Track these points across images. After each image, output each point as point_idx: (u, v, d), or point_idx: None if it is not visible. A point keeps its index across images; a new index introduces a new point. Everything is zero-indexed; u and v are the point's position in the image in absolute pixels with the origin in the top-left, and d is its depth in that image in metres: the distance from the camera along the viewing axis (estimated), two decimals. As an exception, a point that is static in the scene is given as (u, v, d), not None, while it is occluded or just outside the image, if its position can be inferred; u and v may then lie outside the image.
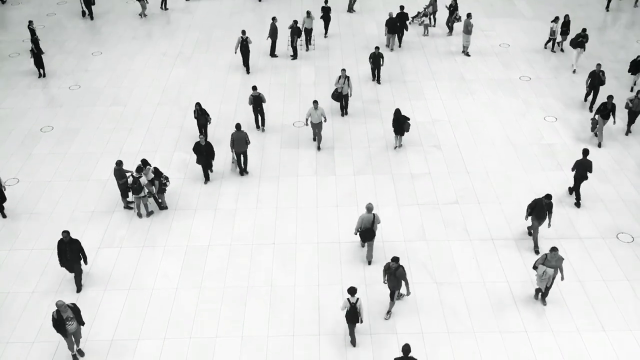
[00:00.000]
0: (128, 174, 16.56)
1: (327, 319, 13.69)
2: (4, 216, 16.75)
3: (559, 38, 24.97)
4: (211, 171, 18.12)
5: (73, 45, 26.20)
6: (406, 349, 11.16)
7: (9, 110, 21.70)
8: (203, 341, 13.26)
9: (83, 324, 12.54)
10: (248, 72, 23.85)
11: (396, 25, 24.76)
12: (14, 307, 14.15)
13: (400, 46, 25.72)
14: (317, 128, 18.76)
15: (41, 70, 23.59)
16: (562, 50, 24.94)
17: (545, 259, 13.24)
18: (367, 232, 14.62)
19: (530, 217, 15.53)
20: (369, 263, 15.09)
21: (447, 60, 24.55)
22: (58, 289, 14.56)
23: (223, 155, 19.12)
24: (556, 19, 24.12)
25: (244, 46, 23.25)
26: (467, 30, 24.11)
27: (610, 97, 18.58)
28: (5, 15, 29.15)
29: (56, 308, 12.48)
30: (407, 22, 25.33)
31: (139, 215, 16.65)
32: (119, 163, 16.27)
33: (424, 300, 14.11)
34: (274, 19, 24.13)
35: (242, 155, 18.10)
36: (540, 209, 14.83)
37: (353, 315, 12.43)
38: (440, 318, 13.70)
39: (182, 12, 29.24)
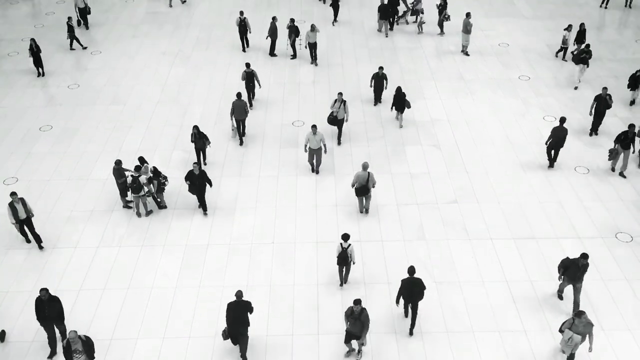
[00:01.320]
0: (127, 173, 16.55)
1: (327, 319, 13.70)
2: (35, 244, 15.69)
3: (571, 47, 24.39)
4: (204, 208, 16.59)
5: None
6: (411, 270, 12.75)
7: (8, 109, 21.68)
8: (202, 340, 13.27)
9: (93, 358, 11.67)
10: (244, 50, 25.19)
11: (388, 10, 26.03)
12: (13, 307, 14.14)
13: (392, 29, 26.84)
14: (315, 154, 17.60)
15: (40, 70, 23.58)
16: (572, 55, 23.30)
17: (573, 323, 11.82)
18: (362, 188, 16.07)
19: (562, 278, 13.51)
20: (366, 212, 16.60)
21: (447, 60, 24.55)
22: (57, 288, 14.55)
23: (222, 154, 19.13)
24: (569, 27, 23.40)
25: (242, 26, 24.65)
26: (466, 29, 24.11)
27: (631, 126, 17.11)
28: (5, 14, 29.12)
29: (66, 338, 11.72)
30: (397, 18, 26.83)
31: (138, 214, 16.65)
32: (118, 162, 16.27)
33: (423, 300, 14.11)
34: (274, 18, 24.13)
35: (241, 123, 19.39)
36: (574, 270, 13.08)
37: (344, 259, 13.80)
38: (439, 317, 13.70)
39: (182, 11, 29.23)
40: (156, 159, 18.96)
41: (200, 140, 17.86)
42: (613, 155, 17.61)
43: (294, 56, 24.78)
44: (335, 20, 27.44)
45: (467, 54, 24.83)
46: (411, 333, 13.25)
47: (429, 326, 13.50)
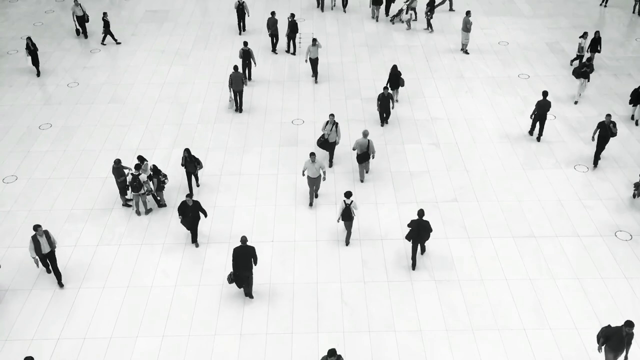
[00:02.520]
0: (127, 172, 16.54)
1: (326, 317, 13.71)
2: (60, 285, 14.51)
3: (587, 55, 23.69)
4: (195, 241, 15.61)
5: (71, 43, 26.14)
6: (420, 212, 14.20)
7: (7, 107, 21.66)
8: (202, 339, 13.27)
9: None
10: (240, 33, 26.46)
11: None
12: (13, 304, 14.15)
13: (387, 15, 27.66)
14: (314, 183, 16.46)
15: (37, 69, 23.48)
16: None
17: None
18: (363, 155, 17.25)
19: (603, 348, 12.24)
20: (367, 171, 17.86)
21: (446, 58, 24.54)
22: (57, 287, 14.55)
23: (222, 152, 19.13)
24: (585, 35, 22.62)
25: (240, 9, 25.71)
26: (466, 27, 24.10)
27: None
28: (4, 12, 29.08)
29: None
30: (393, 17, 27.13)
31: (138, 212, 16.65)
32: (118, 161, 16.26)
33: (422, 298, 14.13)
34: (272, 13, 24.29)
35: (238, 94, 20.79)
36: (618, 340, 11.67)
37: (347, 214, 15.01)
38: (439, 316, 13.72)
39: (182, 9, 29.21)
40: (156, 157, 18.95)
41: (191, 163, 16.68)
42: (638, 188, 16.77)
43: (293, 52, 24.80)
44: (344, 8, 28.37)
45: (466, 52, 24.83)
46: (413, 267, 14.87)
47: (428, 324, 13.51)
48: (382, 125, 20.10)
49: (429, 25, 26.51)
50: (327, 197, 17.23)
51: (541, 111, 18.89)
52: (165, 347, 13.10)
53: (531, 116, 19.25)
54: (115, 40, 25.97)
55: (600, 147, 17.74)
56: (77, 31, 26.62)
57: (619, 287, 14.35)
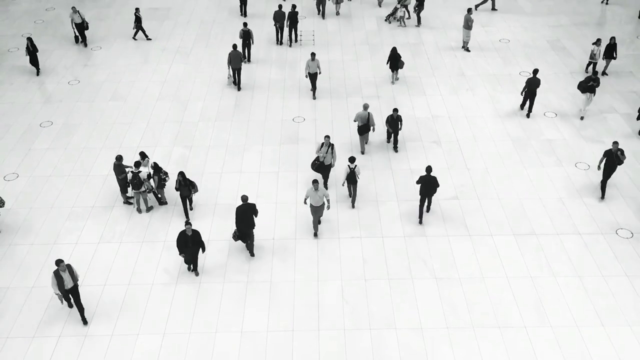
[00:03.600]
0: (128, 169, 16.54)
1: (327, 315, 13.71)
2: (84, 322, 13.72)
3: (600, 62, 23.16)
4: (196, 269, 14.81)
5: (72, 41, 26.13)
6: (428, 169, 15.46)
7: (8, 105, 21.67)
8: (202, 336, 13.28)
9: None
10: (242, 14, 27.77)
11: None
12: (14, 302, 14.16)
13: (379, 5, 28.47)
14: (318, 212, 15.47)
15: (37, 68, 23.40)
16: (605, 73, 22.78)
17: None
18: (363, 127, 18.17)
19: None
20: (366, 142, 18.82)
21: (447, 56, 24.51)
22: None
23: (223, 151, 19.13)
24: (598, 41, 21.81)
25: None
26: (468, 25, 24.07)
27: None
28: (5, 10, 29.07)
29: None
30: (388, 16, 27.16)
31: (139, 210, 16.65)
32: (119, 158, 16.26)
33: (423, 296, 14.13)
34: (279, 6, 24.70)
35: (237, 72, 21.77)
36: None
37: (352, 177, 16.11)
38: (440, 313, 13.72)
39: (183, 7, 29.19)
40: (156, 155, 18.95)
41: (185, 187, 15.71)
42: None
43: (296, 40, 25.35)
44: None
45: (467, 50, 24.80)
46: (428, 210, 16.42)
47: (429, 322, 13.52)
48: (388, 142, 19.25)
49: (419, 20, 26.78)
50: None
51: (531, 88, 19.87)
52: (166, 345, 13.11)
53: (522, 93, 20.31)
54: (147, 36, 25.94)
55: (607, 176, 16.53)
56: (76, 38, 25.71)
57: (619, 285, 14.34)
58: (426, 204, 16.50)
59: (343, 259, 15.16)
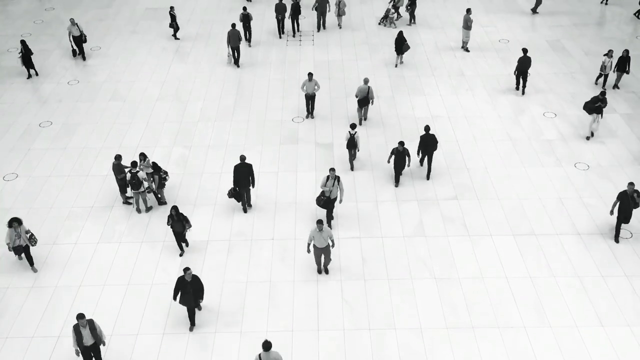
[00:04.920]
0: (127, 169, 16.52)
1: (326, 315, 13.71)
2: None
3: (612, 75, 22.38)
4: (199, 308, 13.81)
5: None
6: (427, 127, 16.92)
7: (8, 105, 21.66)
8: (202, 336, 13.28)
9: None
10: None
11: None
12: (13, 302, 14.16)
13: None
14: (322, 253, 14.37)
15: (30, 71, 23.15)
16: (616, 86, 21.87)
17: None
18: (363, 99, 19.37)
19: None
20: (365, 119, 20.13)
21: (447, 56, 24.52)
22: (57, 284, 14.57)
23: (222, 149, 19.13)
24: (609, 53, 21.05)
25: None
26: (467, 25, 24.07)
27: None
28: (4, 10, 29.07)
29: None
30: (382, 19, 27.08)
31: (138, 210, 16.65)
32: (118, 158, 16.25)
33: (422, 296, 14.13)
34: None
35: (235, 50, 23.10)
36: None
37: (352, 142, 17.33)
38: (439, 314, 13.72)
39: (182, 7, 29.19)
40: (156, 155, 18.95)
41: (178, 222, 14.64)
42: None
43: (296, 33, 25.95)
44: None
45: (467, 50, 24.81)
46: (428, 177, 17.61)
47: (428, 322, 13.51)
48: (396, 185, 17.51)
49: (412, 19, 26.91)
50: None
51: (522, 67, 20.92)
52: (165, 345, 13.11)
53: (514, 73, 21.46)
54: (175, 34, 25.86)
55: (624, 220, 15.15)
56: (74, 52, 24.58)
57: (619, 285, 14.34)
58: (426, 163, 18.00)
59: (342, 259, 15.15)
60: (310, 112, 20.55)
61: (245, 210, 16.45)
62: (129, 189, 17.03)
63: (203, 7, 29.11)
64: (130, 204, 16.96)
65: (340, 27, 26.86)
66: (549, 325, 13.42)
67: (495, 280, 14.56)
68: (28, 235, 14.53)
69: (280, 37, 26.07)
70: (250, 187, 16.20)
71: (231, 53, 23.36)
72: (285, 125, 20.36)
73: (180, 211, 15.70)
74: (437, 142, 17.08)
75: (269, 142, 19.49)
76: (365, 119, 20.18)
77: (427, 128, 17.02)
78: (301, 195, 17.23)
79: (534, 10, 27.92)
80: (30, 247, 15.15)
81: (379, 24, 27.26)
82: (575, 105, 21.14)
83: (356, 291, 14.29)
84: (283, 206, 16.88)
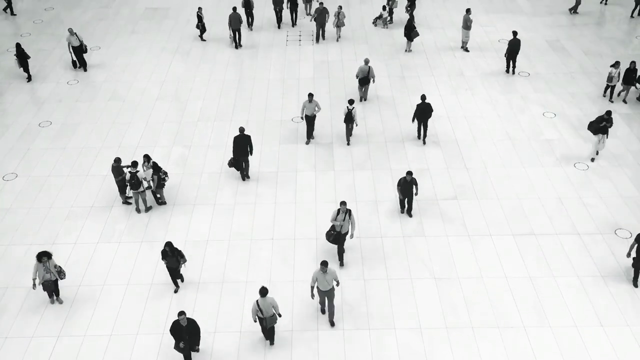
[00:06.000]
0: (127, 169, 16.50)
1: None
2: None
3: (619, 86, 21.61)
4: (197, 350, 12.90)
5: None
6: (423, 97, 18.29)
7: (7, 104, 21.65)
8: (202, 336, 13.26)
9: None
10: None
11: None
12: (13, 302, 14.15)
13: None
14: (326, 297, 13.27)
15: (28, 74, 22.90)
16: (624, 101, 21.03)
17: None
18: (364, 79, 20.62)
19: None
20: (365, 99, 21.33)
21: (446, 56, 24.52)
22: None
23: (222, 149, 19.12)
24: (617, 64, 20.31)
25: None
26: (467, 25, 24.08)
27: None
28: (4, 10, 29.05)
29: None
30: (375, 19, 27.15)
31: (138, 210, 16.64)
32: (117, 160, 16.21)
33: (422, 296, 14.13)
34: None
35: (237, 32, 24.51)
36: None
37: (349, 117, 18.44)
38: (439, 313, 13.72)
39: (182, 7, 29.18)
40: (156, 154, 18.94)
41: (172, 258, 13.65)
42: None
43: (296, 22, 26.91)
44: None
45: (467, 50, 24.81)
46: (424, 142, 19.13)
47: (428, 322, 13.52)
48: (402, 212, 16.53)
49: (411, 18, 26.71)
50: (327, 194, 17.23)
51: (512, 49, 22.25)
52: (165, 345, 13.10)
53: (505, 55, 22.64)
54: (202, 35, 25.81)
55: None
56: (74, 63, 23.55)
57: (619, 285, 14.35)
58: (422, 129, 19.10)
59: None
60: (310, 136, 19.25)
61: (243, 179, 17.57)
62: (128, 189, 17.01)
63: (203, 7, 29.08)
64: (129, 203, 16.96)
65: (338, 40, 25.77)
66: (548, 325, 13.43)
67: (495, 280, 14.56)
68: (57, 270, 13.50)
69: (279, 28, 26.78)
70: (249, 157, 17.57)
71: (232, 35, 24.57)
72: (285, 125, 20.36)
73: (175, 246, 14.62)
74: (432, 110, 18.55)
75: (268, 142, 19.49)
76: (365, 99, 21.26)
77: (423, 97, 18.38)
78: (301, 195, 17.23)
79: (573, 10, 27.90)
80: (59, 280, 13.95)
81: (373, 23, 27.28)
82: (575, 105, 21.15)
83: (355, 291, 14.28)
84: (282, 205, 16.88)
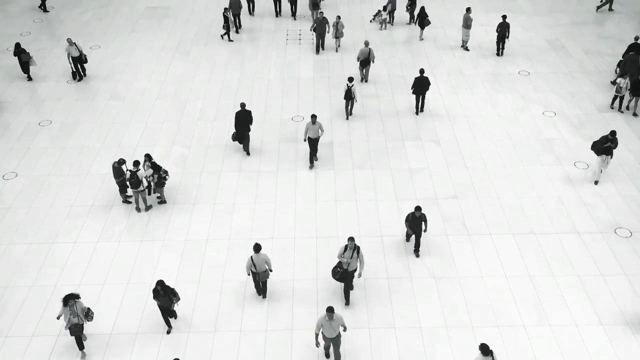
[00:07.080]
0: (126, 171, 16.47)
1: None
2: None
3: (627, 97, 20.94)
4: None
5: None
6: (421, 70, 19.66)
7: (7, 103, 21.64)
8: (202, 335, 13.28)
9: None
10: None
11: None
12: (13, 301, 14.16)
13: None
14: (332, 344, 12.45)
15: (28, 75, 22.92)
16: (634, 114, 20.35)
17: None
18: (365, 60, 21.84)
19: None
20: (365, 81, 22.43)
21: (446, 55, 24.51)
22: (57, 283, 14.56)
23: (222, 150, 19.12)
24: (625, 75, 20.10)
25: None
26: (467, 24, 24.08)
27: None
28: (4, 9, 29.03)
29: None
30: (373, 17, 27.43)
31: (138, 209, 16.64)
32: (121, 162, 16.18)
33: (422, 295, 14.14)
34: None
35: (237, 17, 25.95)
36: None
37: (349, 94, 19.56)
38: (439, 313, 13.73)
39: (182, 6, 29.18)
40: (156, 154, 18.94)
41: (164, 297, 12.74)
42: None
43: (295, 17, 27.59)
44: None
45: (467, 49, 24.81)
46: (422, 110, 20.72)
47: (428, 321, 13.52)
48: (407, 241, 15.72)
49: (412, 18, 26.99)
50: (327, 193, 17.23)
51: (501, 31, 23.66)
52: (165, 344, 13.11)
53: (497, 38, 23.95)
54: (229, 36, 25.77)
55: None
56: (74, 74, 22.77)
57: (618, 285, 14.36)
58: (420, 102, 20.34)
59: (342, 258, 15.15)
60: (313, 160, 18.31)
61: (248, 153, 18.65)
62: (128, 188, 17.01)
63: (202, 6, 29.07)
64: (129, 202, 16.96)
65: (338, 50, 25.11)
66: (548, 324, 13.43)
67: (494, 279, 14.57)
68: (84, 312, 12.48)
69: (277, 16, 27.79)
70: (248, 133, 18.33)
71: (233, 20, 25.42)
72: (285, 124, 20.36)
73: (167, 284, 13.46)
74: (429, 83, 19.90)
75: (268, 141, 19.49)
76: (366, 81, 22.36)
77: (421, 70, 19.67)
78: (301, 195, 17.23)
79: (609, 8, 28.04)
80: (85, 323, 12.84)
81: (371, 21, 27.26)
82: (575, 104, 21.14)
83: (355, 290, 14.28)
84: (282, 205, 16.88)
